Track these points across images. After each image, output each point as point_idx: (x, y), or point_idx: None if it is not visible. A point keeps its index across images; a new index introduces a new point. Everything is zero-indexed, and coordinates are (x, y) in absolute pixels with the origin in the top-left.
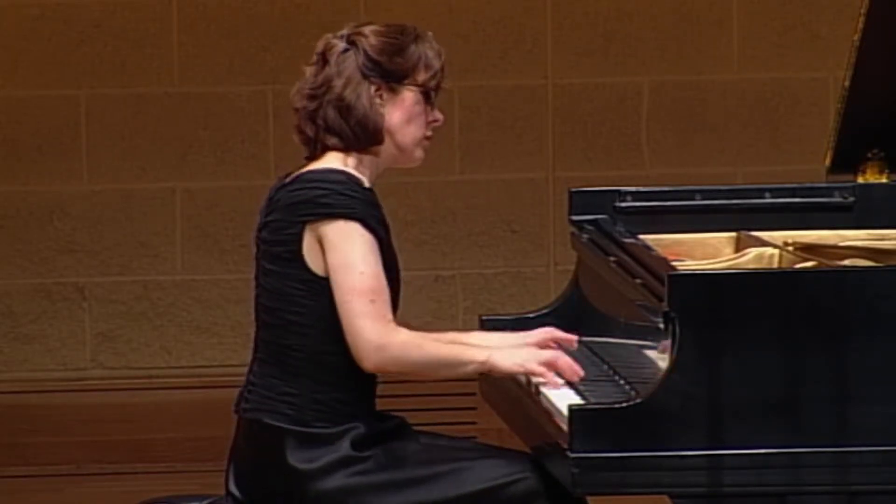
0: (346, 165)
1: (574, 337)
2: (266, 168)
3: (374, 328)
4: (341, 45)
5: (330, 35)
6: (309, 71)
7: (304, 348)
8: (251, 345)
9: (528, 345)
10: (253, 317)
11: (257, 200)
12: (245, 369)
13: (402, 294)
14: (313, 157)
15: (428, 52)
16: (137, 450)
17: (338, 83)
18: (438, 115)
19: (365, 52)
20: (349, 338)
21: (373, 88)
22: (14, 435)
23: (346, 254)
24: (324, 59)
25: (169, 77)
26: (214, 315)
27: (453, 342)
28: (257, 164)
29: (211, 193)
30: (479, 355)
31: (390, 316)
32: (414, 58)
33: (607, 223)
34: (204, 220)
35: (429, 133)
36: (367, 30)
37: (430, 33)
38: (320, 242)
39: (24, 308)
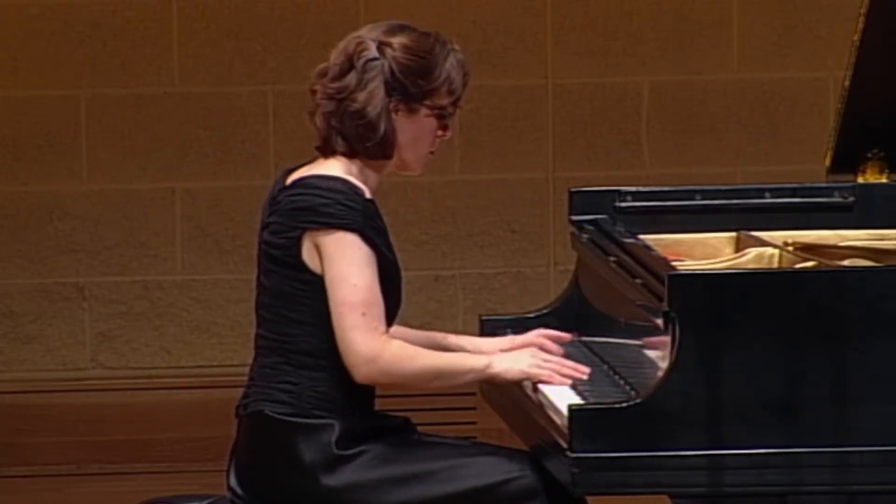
0: (349, 172)
1: (568, 335)
2: (266, 168)
3: (364, 341)
4: (371, 52)
5: (358, 35)
6: (333, 64)
7: (303, 342)
8: (251, 345)
9: (520, 345)
10: (252, 317)
11: (257, 200)
12: (245, 369)
13: (402, 298)
14: (320, 154)
15: (453, 73)
16: (137, 450)
17: (360, 96)
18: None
19: (391, 68)
20: (341, 349)
21: (391, 104)
22: (14, 435)
23: (341, 266)
24: (350, 62)
25: (169, 77)
26: (214, 315)
27: (446, 347)
28: (257, 164)
29: (211, 193)
30: (477, 363)
31: (382, 328)
32: (438, 81)
33: (607, 223)
34: (204, 220)
35: (433, 148)
36: (395, 41)
37: (456, 47)
38: (318, 249)
39: (24, 308)
